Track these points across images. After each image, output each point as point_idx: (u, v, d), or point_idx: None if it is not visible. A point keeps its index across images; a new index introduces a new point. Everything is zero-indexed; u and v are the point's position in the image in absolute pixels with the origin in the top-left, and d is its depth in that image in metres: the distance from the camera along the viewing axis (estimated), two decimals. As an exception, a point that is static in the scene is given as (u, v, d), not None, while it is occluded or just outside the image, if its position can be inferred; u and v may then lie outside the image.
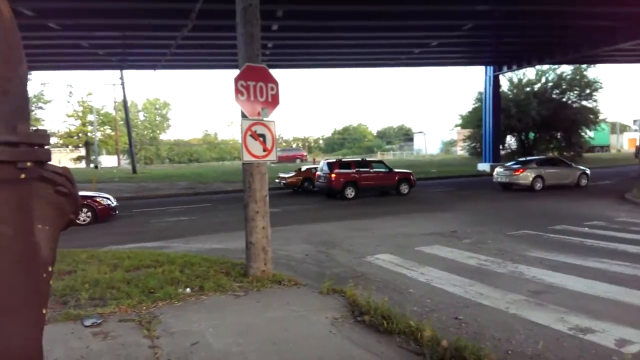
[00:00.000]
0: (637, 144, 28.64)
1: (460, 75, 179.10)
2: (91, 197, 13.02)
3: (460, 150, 55.56)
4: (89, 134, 53.47)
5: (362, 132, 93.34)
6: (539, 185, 18.58)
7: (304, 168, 21.51)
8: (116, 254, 7.65)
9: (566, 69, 36.37)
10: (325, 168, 17.57)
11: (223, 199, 19.39)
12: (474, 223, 11.12)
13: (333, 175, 16.99)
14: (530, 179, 18.50)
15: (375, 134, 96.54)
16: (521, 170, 18.76)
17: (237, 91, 6.02)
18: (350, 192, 17.04)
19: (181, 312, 4.89)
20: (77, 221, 13.09)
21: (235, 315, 4.79)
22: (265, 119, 6.21)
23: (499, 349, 4.04)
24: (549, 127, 36.68)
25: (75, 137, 56.01)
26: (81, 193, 14.01)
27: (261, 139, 6.17)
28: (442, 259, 7.53)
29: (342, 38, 20.09)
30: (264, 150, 6.18)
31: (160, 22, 16.54)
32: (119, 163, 49.82)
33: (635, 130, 74.73)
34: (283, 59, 25.06)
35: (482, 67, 31.06)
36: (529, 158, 22.55)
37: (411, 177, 18.54)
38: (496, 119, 30.92)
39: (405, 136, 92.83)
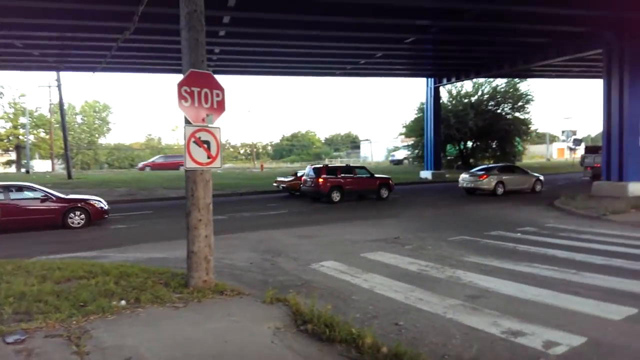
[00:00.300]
0: (583, 153, 30.92)
1: (405, 86, 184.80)
2: (85, 200, 13.14)
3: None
4: (20, 137, 50.01)
5: (310, 138, 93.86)
6: (500, 190, 19.92)
7: (300, 173, 21.73)
8: (45, 265, 7.15)
9: (501, 82, 38.60)
10: (312, 173, 18.60)
11: (166, 206, 18.76)
12: (416, 229, 11.46)
13: (320, 180, 17.88)
14: (493, 184, 19.86)
15: (323, 141, 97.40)
16: (485, 176, 20.14)
17: (181, 97, 5.86)
18: (336, 196, 17.89)
19: (115, 326, 4.64)
20: (72, 224, 12.81)
21: (173, 328, 4.62)
22: (210, 125, 6.08)
23: (436, 353, 4.17)
24: (485, 136, 38.69)
25: (6, 140, 52.27)
26: (75, 196, 13.88)
27: (205, 145, 6.03)
28: (386, 265, 7.69)
29: (289, 46, 20.19)
30: (209, 157, 6.05)
31: (100, 24, 15.87)
32: (53, 168, 46.89)
33: (563, 141, 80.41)
34: (230, 65, 24.78)
35: (424, 79, 32.30)
36: (490, 165, 24.51)
37: (390, 182, 19.47)
38: (437, 128, 32.22)
39: (353, 143, 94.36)
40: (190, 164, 5.88)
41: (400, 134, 52.31)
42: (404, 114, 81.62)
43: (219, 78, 6.31)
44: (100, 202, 13.48)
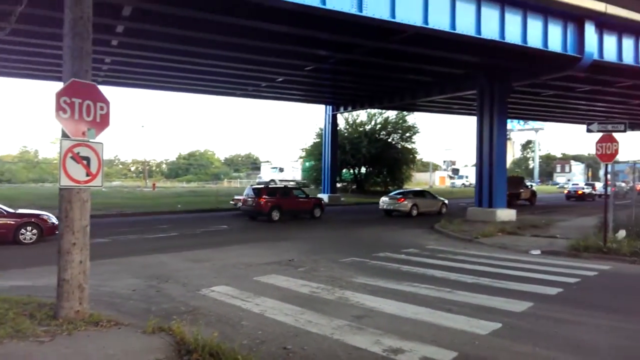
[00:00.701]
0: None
1: (306, 111, 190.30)
2: (38, 216, 12.81)
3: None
4: None
5: (208, 158, 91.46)
6: (415, 212, 22.42)
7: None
8: None
9: (392, 114, 41.59)
10: (252, 193, 19.75)
11: (38, 227, 16.76)
12: (310, 251, 11.66)
13: (262, 200, 19.10)
14: (409, 206, 22.37)
15: (222, 161, 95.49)
16: (402, 199, 22.72)
17: (59, 108, 5.38)
18: (275, 215, 19.11)
19: (-40, 368, 4.00)
20: (25, 240, 12.07)
21: (36, 366, 4.11)
22: (91, 140, 5.64)
23: (322, 375, 4.23)
24: (377, 163, 41.17)
25: None
26: (27, 211, 13.31)
27: (85, 162, 5.57)
28: (278, 288, 7.68)
29: (188, 63, 19.68)
30: (88, 175, 5.58)
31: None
32: None
33: (444, 170, 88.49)
34: (123, 77, 23.36)
35: (323, 106, 33.55)
36: (406, 190, 27.32)
37: (322, 202, 21.62)
38: (334, 153, 33.51)
39: (253, 165, 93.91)
40: (65, 182, 5.38)
41: (300, 157, 53.38)
42: (304, 137, 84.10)
43: (110, 90, 5.99)
44: (51, 217, 12.87)
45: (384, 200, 23.34)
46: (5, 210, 12.34)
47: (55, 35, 14.84)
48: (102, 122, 5.77)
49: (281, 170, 68.73)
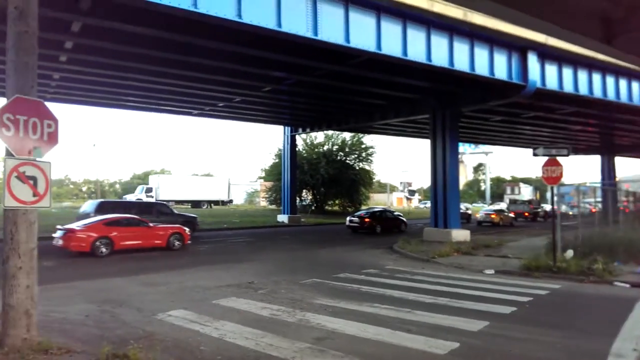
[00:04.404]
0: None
1: (265, 131, 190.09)
2: None
3: (262, 202, 57.79)
4: None
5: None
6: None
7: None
8: None
9: (348, 136, 42.27)
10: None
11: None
12: (270, 273, 11.49)
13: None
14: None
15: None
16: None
17: (2, 125, 5.14)
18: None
19: None
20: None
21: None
22: (38, 159, 5.38)
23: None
24: (335, 184, 41.50)
25: None
26: None
27: (31, 182, 5.30)
28: (238, 311, 7.49)
29: (140, 80, 19.21)
30: (35, 196, 5.31)
31: None
32: None
33: (401, 191, 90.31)
34: (72, 94, 22.49)
35: (282, 127, 33.65)
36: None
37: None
38: (293, 174, 33.53)
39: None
40: (10, 202, 5.09)
41: (260, 178, 53.01)
42: (263, 157, 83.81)
43: (59, 107, 5.71)
44: None
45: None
46: None
47: None
48: (50, 140, 5.54)
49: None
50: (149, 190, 44.89)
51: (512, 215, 34.80)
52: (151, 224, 15.63)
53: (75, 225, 14.61)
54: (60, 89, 21.25)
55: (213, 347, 5.64)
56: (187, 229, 16.65)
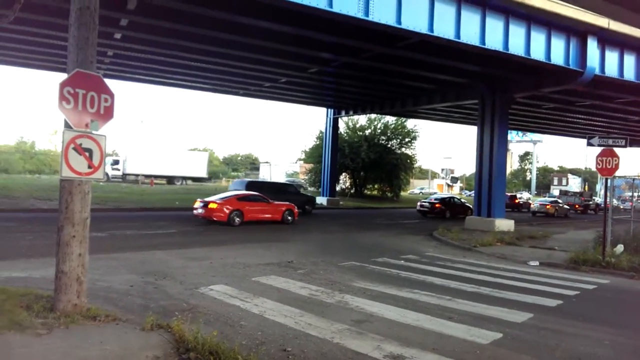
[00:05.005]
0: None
1: (306, 113, 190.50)
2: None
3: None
4: None
5: (208, 156, 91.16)
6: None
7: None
8: None
9: (391, 120, 41.52)
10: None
11: (34, 218, 16.62)
12: (309, 253, 11.58)
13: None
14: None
15: (221, 160, 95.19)
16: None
17: (62, 98, 5.31)
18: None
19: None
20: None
21: (34, 358, 4.02)
22: (94, 132, 5.57)
23: (323, 379, 4.16)
24: (376, 168, 41.03)
25: None
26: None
27: (87, 154, 5.50)
28: (277, 289, 7.60)
29: (191, 59, 19.59)
30: (90, 167, 5.51)
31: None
32: None
33: (443, 178, 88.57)
34: (124, 71, 23.27)
35: (324, 109, 33.51)
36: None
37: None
38: (334, 157, 33.44)
39: (252, 165, 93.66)
40: (66, 173, 5.30)
41: (300, 159, 53.22)
42: (303, 140, 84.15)
43: (110, 83, 5.85)
44: None
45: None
46: None
47: (58, 25, 14.78)
48: (106, 114, 5.70)
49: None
50: (115, 162, 42.62)
51: (567, 207, 34.73)
52: (270, 201, 18.16)
53: (213, 198, 17.15)
54: (113, 66, 22.00)
55: (253, 323, 5.75)
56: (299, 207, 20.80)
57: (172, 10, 13.78)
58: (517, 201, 39.24)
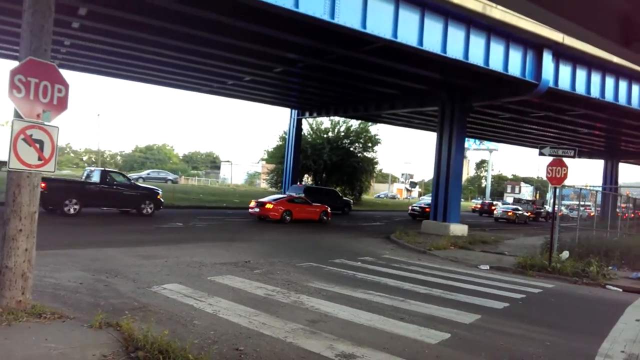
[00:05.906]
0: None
1: (270, 113, 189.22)
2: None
3: (263, 183, 57.92)
4: None
5: (167, 153, 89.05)
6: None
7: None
8: None
9: (355, 123, 42.04)
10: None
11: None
12: (267, 254, 11.55)
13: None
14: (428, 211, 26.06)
15: (181, 157, 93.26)
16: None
17: (13, 86, 5.10)
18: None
19: None
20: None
21: (-31, 358, 3.85)
22: (46, 123, 5.38)
23: (274, 377, 4.20)
24: (337, 170, 41.42)
25: None
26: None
27: (37, 145, 5.30)
28: (232, 289, 7.56)
29: (151, 53, 19.07)
30: (40, 159, 5.32)
31: None
32: None
33: (402, 182, 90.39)
34: (81, 61, 22.39)
35: (289, 109, 33.48)
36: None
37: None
38: (296, 158, 33.49)
39: (213, 163, 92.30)
40: (15, 164, 5.10)
41: (262, 160, 52.91)
42: (266, 140, 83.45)
43: (66, 73, 5.66)
44: None
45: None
46: None
47: (10, 11, 14.09)
48: (60, 105, 5.52)
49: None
50: None
51: (527, 214, 37.36)
52: (311, 204, 21.90)
53: (268, 200, 20.67)
54: (70, 56, 21.15)
55: (206, 322, 5.71)
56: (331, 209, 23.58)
57: (134, 1, 13.42)
58: (493, 208, 42.75)
